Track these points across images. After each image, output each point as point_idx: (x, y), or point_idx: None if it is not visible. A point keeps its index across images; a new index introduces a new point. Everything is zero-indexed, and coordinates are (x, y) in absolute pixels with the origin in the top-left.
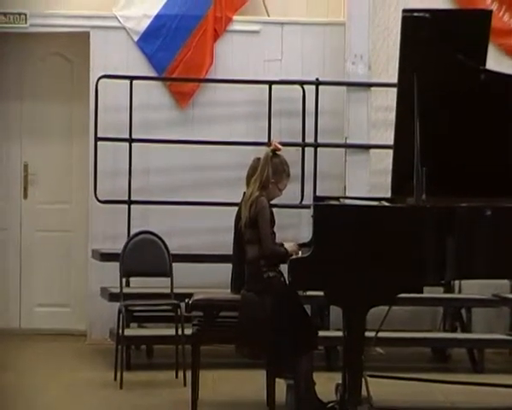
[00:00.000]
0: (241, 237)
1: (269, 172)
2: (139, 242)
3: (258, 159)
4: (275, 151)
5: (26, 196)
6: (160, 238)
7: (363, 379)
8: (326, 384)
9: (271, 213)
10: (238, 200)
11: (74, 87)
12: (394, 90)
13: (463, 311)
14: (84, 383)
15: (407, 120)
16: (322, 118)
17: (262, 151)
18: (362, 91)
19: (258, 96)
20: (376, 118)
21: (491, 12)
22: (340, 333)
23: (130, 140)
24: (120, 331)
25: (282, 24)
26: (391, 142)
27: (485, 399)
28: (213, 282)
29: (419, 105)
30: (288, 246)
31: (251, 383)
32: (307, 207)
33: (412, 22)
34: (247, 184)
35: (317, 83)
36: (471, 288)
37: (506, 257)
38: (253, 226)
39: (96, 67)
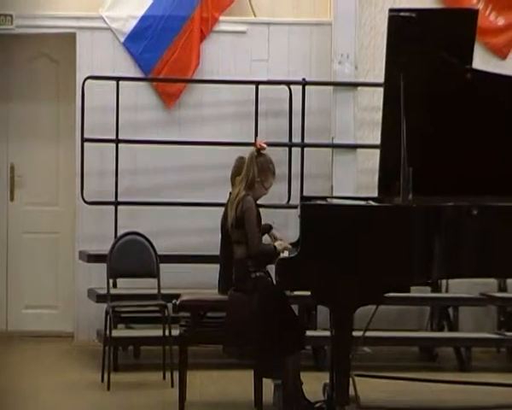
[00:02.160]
0: (228, 238)
1: (254, 172)
2: (126, 243)
3: (241, 158)
4: (260, 150)
5: (12, 198)
6: (147, 239)
7: (350, 379)
8: (313, 384)
9: (258, 213)
10: (225, 200)
11: (61, 88)
12: (381, 89)
13: (450, 310)
14: (71, 385)
15: (394, 120)
16: (308, 118)
17: (249, 151)
18: (348, 91)
19: (245, 96)
20: (363, 117)
21: (477, 11)
22: (327, 333)
23: (117, 141)
24: (107, 332)
25: (268, 24)
26: (377, 141)
27: (472, 397)
28: (201, 282)
29: (405, 104)
30: (277, 243)
31: (238, 383)
32: (294, 207)
33: (398, 21)
34: (232, 183)
35: (304, 83)
36: (458, 287)
37: (493, 256)
38: (239, 226)
39: (83, 67)
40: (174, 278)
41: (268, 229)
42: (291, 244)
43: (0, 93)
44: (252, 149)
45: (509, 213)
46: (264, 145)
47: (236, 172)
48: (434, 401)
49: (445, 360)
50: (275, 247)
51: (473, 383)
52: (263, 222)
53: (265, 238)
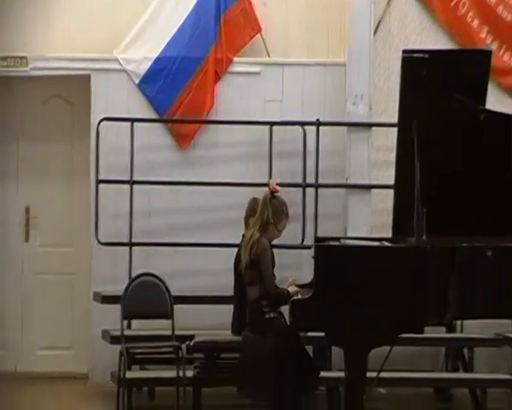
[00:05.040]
0: (242, 279)
1: (268, 214)
2: (140, 284)
3: (255, 198)
4: (273, 193)
5: (27, 239)
6: (161, 280)
7: None
8: None
9: (272, 255)
10: (239, 241)
11: (75, 129)
12: (395, 130)
13: (465, 350)
14: None
15: (407, 160)
16: (322, 158)
17: (262, 192)
18: (362, 131)
19: (259, 137)
20: (377, 158)
21: (490, 52)
22: (341, 373)
23: (132, 182)
24: (122, 374)
25: (282, 65)
26: (392, 182)
27: None
28: (214, 323)
29: (419, 145)
30: (290, 288)
31: None
32: (308, 247)
33: (412, 62)
34: (246, 224)
35: (318, 123)
36: (473, 327)
37: (507, 297)
38: (253, 268)
39: (97, 109)
40: (188, 319)
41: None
42: (304, 285)
43: (15, 134)
44: (266, 190)
45: None
46: (278, 188)
47: (250, 213)
48: None
49: (461, 401)
50: (288, 291)
51: None
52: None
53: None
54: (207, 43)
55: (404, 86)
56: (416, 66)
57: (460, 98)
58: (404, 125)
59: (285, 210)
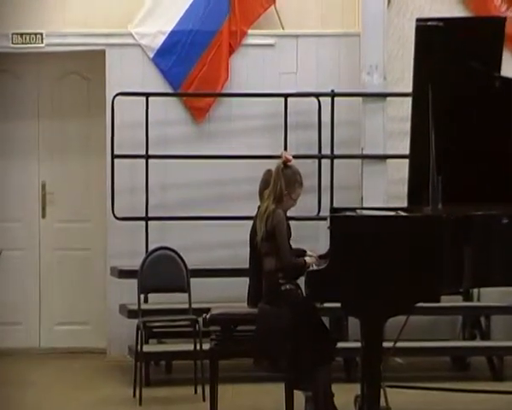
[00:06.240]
0: (258, 251)
1: (282, 185)
2: (157, 258)
3: (269, 171)
4: (286, 163)
5: (44, 215)
6: (177, 254)
7: (381, 390)
8: (345, 396)
9: (288, 226)
10: (255, 213)
11: (91, 105)
12: (410, 99)
13: (482, 319)
14: (103, 400)
15: (422, 129)
16: (338, 129)
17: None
18: (377, 102)
19: (274, 109)
20: (392, 128)
21: (504, 19)
22: (358, 344)
23: (147, 156)
24: (139, 348)
25: (296, 36)
26: (407, 151)
27: (505, 407)
28: (231, 296)
29: (434, 114)
30: (307, 258)
31: (269, 396)
32: (324, 218)
33: (426, 31)
34: (260, 197)
35: (333, 94)
36: (490, 295)
37: None
38: (269, 239)
39: (112, 84)
40: (204, 292)
41: (302, 253)
42: (320, 256)
43: (31, 110)
44: (278, 162)
45: None
46: (290, 157)
47: (264, 185)
48: None
49: (478, 369)
50: (305, 261)
51: (506, 393)
52: (293, 234)
53: None
54: (221, 16)
55: (419, 55)
56: (430, 34)
57: (475, 66)
58: (418, 94)
59: (299, 179)
